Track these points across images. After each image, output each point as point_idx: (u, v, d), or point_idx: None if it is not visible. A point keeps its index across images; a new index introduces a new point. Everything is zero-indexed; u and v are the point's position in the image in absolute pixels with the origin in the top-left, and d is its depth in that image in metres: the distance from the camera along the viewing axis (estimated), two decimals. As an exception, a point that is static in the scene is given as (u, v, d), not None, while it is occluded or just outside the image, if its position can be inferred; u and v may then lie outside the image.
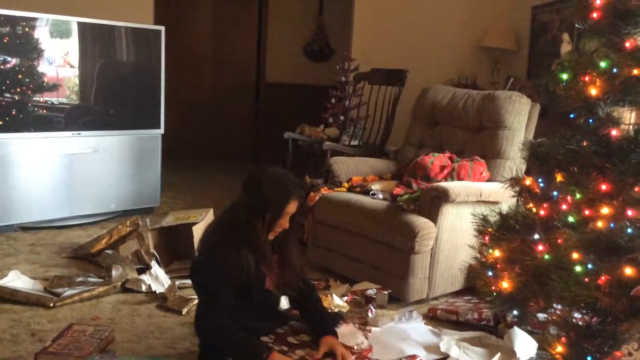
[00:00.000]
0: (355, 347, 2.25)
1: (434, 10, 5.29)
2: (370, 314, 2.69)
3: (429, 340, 2.48)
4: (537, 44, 4.89)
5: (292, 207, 2.11)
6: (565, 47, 4.21)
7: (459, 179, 3.16)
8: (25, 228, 3.80)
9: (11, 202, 3.75)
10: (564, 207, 2.21)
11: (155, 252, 3.24)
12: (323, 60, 6.84)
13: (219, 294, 2.05)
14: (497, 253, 2.41)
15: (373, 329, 2.52)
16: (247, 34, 6.90)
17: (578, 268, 2.01)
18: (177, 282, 3.00)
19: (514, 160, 3.25)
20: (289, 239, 2.23)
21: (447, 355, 2.36)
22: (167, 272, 3.11)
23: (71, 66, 3.98)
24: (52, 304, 2.68)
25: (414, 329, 2.57)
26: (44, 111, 3.86)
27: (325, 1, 6.81)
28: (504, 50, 5.25)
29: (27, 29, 3.73)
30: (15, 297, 2.72)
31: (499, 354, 2.35)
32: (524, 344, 2.37)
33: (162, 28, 4.33)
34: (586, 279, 1.97)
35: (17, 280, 2.89)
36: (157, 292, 2.91)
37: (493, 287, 2.40)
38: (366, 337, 2.35)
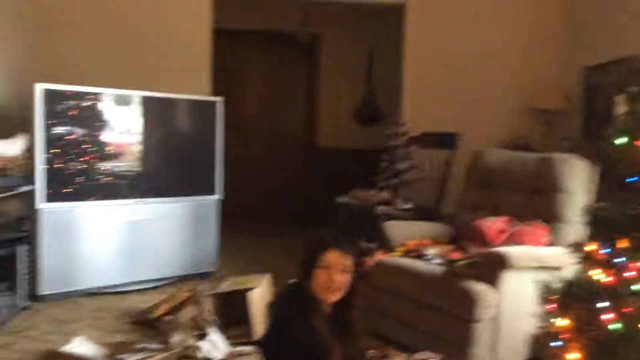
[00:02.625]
0: None
1: (483, 72, 5.33)
2: (431, 385, 2.63)
3: None
4: (590, 105, 4.85)
5: (332, 257, 2.10)
6: (620, 109, 4.16)
7: (518, 243, 3.11)
8: (89, 293, 3.92)
9: (76, 269, 3.89)
10: (631, 274, 2.14)
11: (214, 317, 3.27)
12: (373, 124, 6.94)
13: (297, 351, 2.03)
14: (562, 322, 2.33)
15: None
16: (298, 99, 7.09)
17: (650, 339, 1.93)
18: (236, 349, 3.01)
19: (575, 225, 3.18)
20: (348, 304, 2.21)
21: None
22: (226, 338, 3.13)
23: (133, 136, 4.18)
24: (115, 371, 2.73)
25: None
26: (108, 180, 4.04)
27: (375, 66, 6.96)
28: (556, 112, 5.22)
29: (93, 102, 3.96)
30: (80, 363, 2.79)
31: None
32: None
33: (220, 99, 4.52)
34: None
35: (81, 347, 2.97)
36: (216, 359, 2.93)
37: (560, 358, 2.32)
38: None
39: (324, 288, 2.10)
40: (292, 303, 2.11)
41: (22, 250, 3.55)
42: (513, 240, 3.15)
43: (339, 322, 2.18)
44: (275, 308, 2.19)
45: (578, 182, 3.27)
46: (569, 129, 5.09)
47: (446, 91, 5.31)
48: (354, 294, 2.21)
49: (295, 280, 2.17)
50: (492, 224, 3.24)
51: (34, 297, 3.70)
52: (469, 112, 5.21)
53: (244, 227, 6.38)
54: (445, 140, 4.31)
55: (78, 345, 2.98)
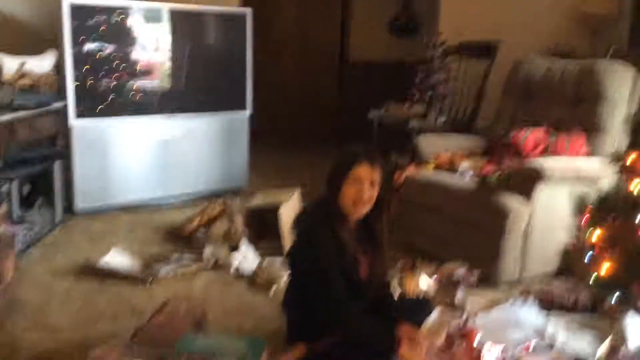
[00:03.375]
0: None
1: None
2: (459, 295, 2.62)
3: (540, 326, 2.39)
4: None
5: (362, 171, 2.04)
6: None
7: (556, 155, 2.99)
8: (124, 208, 4.01)
9: (110, 184, 3.95)
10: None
11: (245, 231, 3.31)
12: (409, 35, 6.67)
13: (332, 275, 1.99)
14: (596, 234, 2.27)
15: (482, 313, 2.47)
16: (331, 13, 6.85)
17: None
18: (266, 261, 3.05)
19: (616, 135, 3.03)
20: (377, 217, 2.16)
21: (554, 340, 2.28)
22: (257, 251, 3.17)
23: (162, 51, 4.12)
24: (149, 281, 2.81)
25: (525, 314, 2.48)
26: (139, 96, 4.02)
27: (411, -26, 6.63)
28: (604, 17, 4.89)
29: (121, 18, 3.88)
30: (116, 274, 2.88)
31: (608, 339, 2.24)
32: (636, 330, 2.23)
33: (249, 10, 4.38)
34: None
35: (117, 258, 3.06)
36: (247, 271, 2.99)
37: (592, 270, 2.27)
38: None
39: (353, 201, 2.06)
40: (319, 216, 2.09)
41: (57, 166, 3.62)
42: (550, 151, 3.04)
43: (366, 234, 2.16)
44: (302, 221, 2.16)
45: (622, 90, 3.09)
46: (617, 37, 4.78)
47: (486, -3, 5.02)
48: (382, 207, 2.17)
49: (322, 194, 2.14)
50: (529, 135, 3.11)
51: (70, 211, 3.80)
52: (511, 19, 4.92)
53: (275, 143, 6.38)
54: (483, 50, 4.09)
55: (114, 256, 3.07)
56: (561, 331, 2.32)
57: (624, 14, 4.78)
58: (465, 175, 3.13)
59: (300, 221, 2.18)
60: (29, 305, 2.56)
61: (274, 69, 6.61)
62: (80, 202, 3.83)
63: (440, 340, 2.13)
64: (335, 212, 2.07)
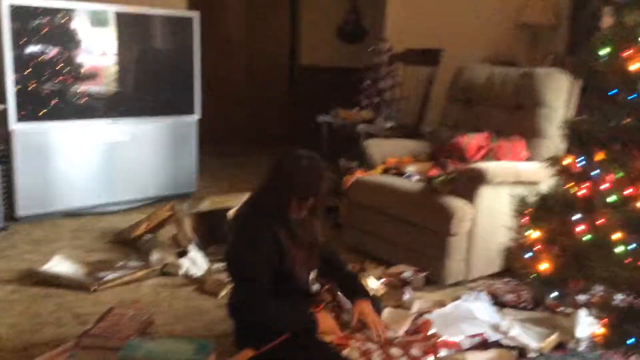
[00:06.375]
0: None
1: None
2: (405, 297, 2.68)
3: (493, 320, 2.49)
4: (577, 19, 4.73)
5: (323, 188, 2.13)
6: (607, 22, 4.06)
7: (497, 159, 3.10)
8: (68, 214, 3.90)
9: (54, 189, 3.84)
10: (605, 186, 2.14)
11: (194, 236, 3.28)
12: (357, 41, 6.76)
13: (260, 276, 2.07)
14: (535, 234, 2.36)
15: (436, 309, 2.54)
16: (281, 17, 6.87)
17: (619, 248, 1.95)
18: (215, 266, 3.04)
19: (554, 140, 3.17)
20: (314, 217, 2.23)
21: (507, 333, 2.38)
22: (206, 255, 3.15)
23: (108, 55, 4.04)
24: (94, 288, 2.75)
25: (478, 309, 2.56)
26: (83, 99, 3.93)
27: (358, -19, 6.72)
28: (543, 26, 5.09)
29: (65, 19, 3.79)
30: (58, 281, 2.80)
31: (556, 333, 2.36)
32: (585, 326, 2.38)
33: (196, 14, 4.35)
34: (627, 260, 1.91)
35: (61, 265, 2.98)
36: (195, 275, 2.96)
37: (532, 269, 2.35)
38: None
39: (304, 210, 2.11)
40: (260, 219, 2.10)
41: (-3, 171, 3.51)
42: (492, 156, 3.15)
43: (303, 230, 2.19)
44: (242, 223, 2.18)
45: (559, 97, 3.23)
46: (555, 45, 4.98)
47: (430, 6, 5.14)
48: (319, 206, 2.21)
49: (258, 192, 2.16)
50: (472, 140, 3.21)
51: (12, 218, 3.68)
52: (454, 28, 5.06)
53: (224, 148, 6.34)
54: (427, 57, 4.20)
55: (57, 263, 3.00)
56: (516, 325, 2.43)
57: (562, 23, 4.98)
58: (412, 178, 3.20)
59: (239, 223, 2.20)
60: (-34, 314, 2.48)
61: (223, 72, 6.57)
62: (23, 209, 3.71)
63: (402, 329, 2.20)
64: (278, 214, 2.10)
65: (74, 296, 2.70)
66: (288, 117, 6.87)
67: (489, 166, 2.90)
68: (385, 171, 3.40)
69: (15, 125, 3.63)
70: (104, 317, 2.22)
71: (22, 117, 3.65)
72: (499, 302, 2.68)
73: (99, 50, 3.99)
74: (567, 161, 2.36)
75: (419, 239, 2.97)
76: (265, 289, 2.08)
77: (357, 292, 2.32)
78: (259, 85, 6.91)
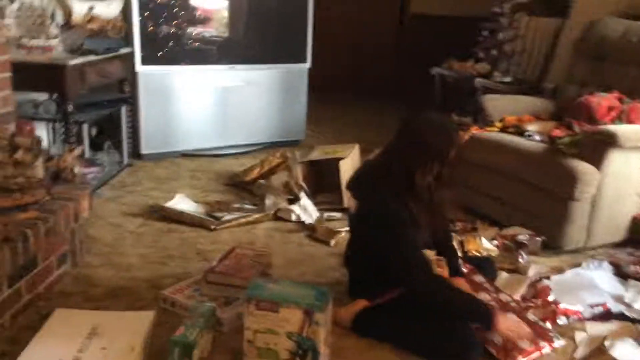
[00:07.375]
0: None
1: None
2: (521, 260, 2.60)
3: (616, 291, 2.38)
4: None
5: (453, 153, 2.02)
6: None
7: (629, 122, 2.89)
8: (185, 155, 4.09)
9: (173, 131, 4.03)
10: None
11: (303, 184, 3.34)
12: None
13: (417, 245, 2.00)
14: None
15: (555, 275, 2.46)
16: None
17: None
18: (325, 215, 3.09)
19: (697, 104, 2.91)
20: (442, 183, 2.10)
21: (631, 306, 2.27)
22: (315, 204, 3.20)
23: (222, 1, 4.09)
24: (213, 227, 2.89)
25: (600, 278, 2.46)
26: (198, 44, 4.04)
27: None
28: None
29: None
30: (182, 218, 2.96)
31: None
32: None
33: (311, -40, 4.30)
34: None
35: (182, 203, 3.14)
36: (306, 222, 3.03)
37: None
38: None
39: (430, 176, 2.00)
40: (391, 192, 2.01)
41: (125, 111, 3.70)
42: (623, 118, 2.94)
43: (429, 197, 2.10)
44: (371, 196, 2.09)
45: None
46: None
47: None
48: (448, 173, 2.13)
49: (386, 161, 2.08)
50: (602, 100, 3.01)
51: (136, 155, 3.91)
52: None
53: (332, 97, 6.34)
54: (556, 7, 3.93)
55: (180, 201, 3.16)
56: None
57: None
58: (533, 137, 3.05)
59: (363, 190, 2.13)
60: (102, 243, 2.68)
61: (332, 21, 6.50)
62: (146, 147, 3.94)
63: (517, 293, 2.15)
64: (406, 181, 1.99)
65: (195, 233, 2.84)
66: (398, 68, 6.71)
67: (621, 129, 2.71)
68: (503, 129, 3.26)
69: (140, 68, 3.79)
70: (227, 256, 2.32)
71: (143, 59, 3.80)
72: (621, 273, 2.54)
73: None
74: None
75: (537, 202, 2.86)
76: (428, 263, 2.01)
77: (458, 270, 2.21)
78: (368, 34, 6.77)
